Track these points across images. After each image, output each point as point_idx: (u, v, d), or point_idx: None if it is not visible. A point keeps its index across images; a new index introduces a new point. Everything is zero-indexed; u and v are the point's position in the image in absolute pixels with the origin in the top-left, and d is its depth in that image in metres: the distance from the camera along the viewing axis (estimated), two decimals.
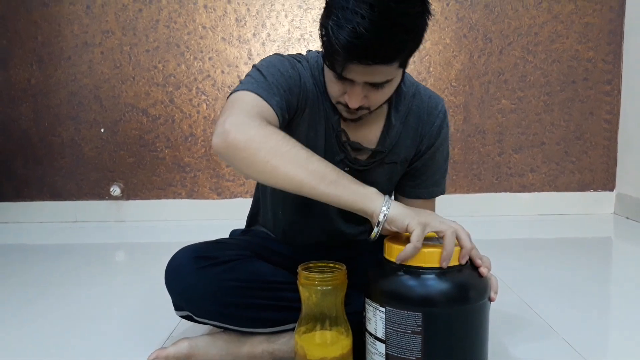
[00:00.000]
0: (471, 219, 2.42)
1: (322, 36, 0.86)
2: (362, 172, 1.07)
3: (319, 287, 0.82)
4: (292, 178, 0.79)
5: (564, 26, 2.38)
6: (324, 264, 0.87)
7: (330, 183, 0.79)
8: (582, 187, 2.48)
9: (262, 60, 0.98)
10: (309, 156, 0.81)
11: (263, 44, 2.39)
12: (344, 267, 0.85)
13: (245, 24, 2.39)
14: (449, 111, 2.42)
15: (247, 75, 0.94)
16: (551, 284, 1.50)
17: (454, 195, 2.47)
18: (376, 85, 0.89)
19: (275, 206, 1.15)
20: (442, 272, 0.78)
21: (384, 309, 0.79)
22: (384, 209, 0.79)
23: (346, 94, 0.91)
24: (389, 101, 1.04)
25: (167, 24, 2.38)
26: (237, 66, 2.40)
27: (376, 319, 0.81)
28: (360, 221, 1.15)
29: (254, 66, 0.97)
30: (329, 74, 0.93)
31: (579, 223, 2.33)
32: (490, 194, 2.48)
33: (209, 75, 2.41)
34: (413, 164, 1.11)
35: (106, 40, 2.40)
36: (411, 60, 2.54)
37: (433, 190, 1.15)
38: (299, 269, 0.85)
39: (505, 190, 2.48)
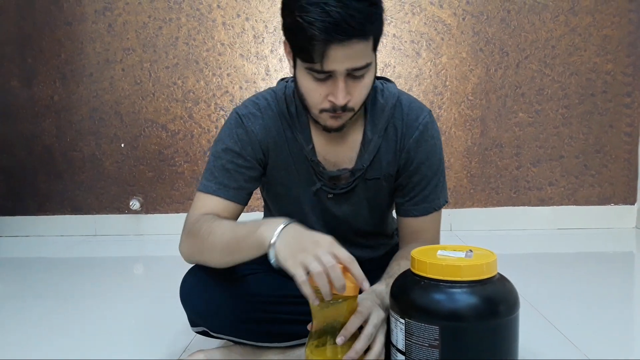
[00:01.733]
0: (489, 233, 2.40)
1: (291, 36, 0.88)
2: (345, 194, 1.06)
3: (330, 301, 0.82)
4: (220, 263, 0.93)
5: (582, 39, 2.37)
6: None
7: (237, 248, 0.88)
8: (603, 200, 2.45)
9: (215, 140, 1.07)
10: (220, 236, 0.90)
11: (280, 60, 2.42)
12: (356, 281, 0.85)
13: (263, 41, 2.42)
14: (466, 124, 2.42)
15: (206, 165, 1.07)
16: (571, 299, 1.48)
17: (471, 209, 2.45)
18: (357, 76, 0.88)
19: None
20: (464, 286, 0.78)
21: (403, 321, 0.79)
22: (272, 239, 0.80)
23: (330, 95, 0.89)
24: (365, 115, 1.04)
25: (186, 41, 2.43)
26: (254, 82, 2.43)
27: (397, 330, 0.81)
28: (367, 244, 1.16)
29: (210, 150, 1.09)
30: (306, 81, 0.91)
31: (599, 237, 2.30)
32: (508, 207, 2.45)
33: (227, 91, 2.45)
34: (397, 180, 1.08)
35: (127, 58, 2.45)
36: (427, 74, 2.54)
37: (424, 207, 1.07)
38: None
39: (523, 204, 2.46)
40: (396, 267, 0.99)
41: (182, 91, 2.45)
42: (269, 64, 2.43)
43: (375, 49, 0.89)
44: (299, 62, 0.90)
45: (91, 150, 2.50)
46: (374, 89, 1.04)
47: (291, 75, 1.09)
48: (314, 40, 0.82)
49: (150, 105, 2.47)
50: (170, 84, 2.45)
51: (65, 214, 2.54)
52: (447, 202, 1.11)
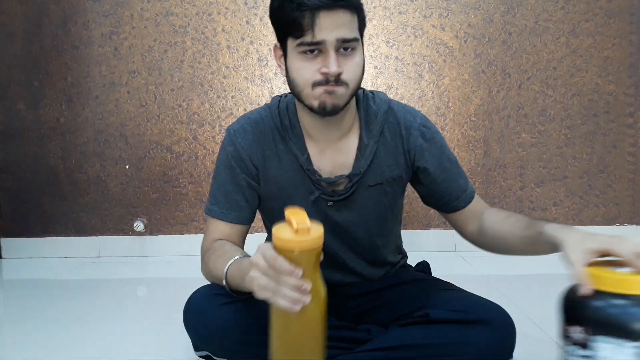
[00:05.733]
0: (494, 254, 2.38)
1: (280, 16, 0.93)
2: (345, 201, 1.07)
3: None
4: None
5: (583, 60, 2.39)
6: None
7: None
8: (608, 221, 2.44)
9: (216, 165, 1.11)
10: (214, 270, 0.99)
11: (284, 82, 2.45)
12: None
13: (267, 64, 2.45)
14: (469, 145, 2.42)
15: (211, 185, 1.12)
16: None
17: None
18: (347, 49, 0.91)
19: None
20: None
21: (637, 344, 0.70)
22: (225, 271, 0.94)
23: (323, 67, 0.91)
24: (359, 121, 1.06)
25: (191, 64, 2.46)
26: (259, 104, 2.45)
27: (623, 356, 0.71)
28: (370, 259, 1.16)
29: (214, 172, 1.11)
30: (298, 63, 0.94)
31: None
32: None
33: (231, 113, 2.46)
34: (425, 183, 1.11)
35: (132, 80, 2.48)
36: (430, 95, 2.55)
37: (465, 197, 1.13)
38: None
39: None
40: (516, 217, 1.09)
41: (187, 113, 2.47)
42: (273, 86, 2.45)
43: (360, 30, 0.94)
44: (290, 46, 0.94)
45: (96, 172, 2.52)
46: (365, 97, 1.08)
47: (285, 93, 1.12)
48: (303, 8, 0.87)
49: (155, 127, 2.49)
50: (175, 106, 2.47)
51: (69, 235, 2.54)
52: None
